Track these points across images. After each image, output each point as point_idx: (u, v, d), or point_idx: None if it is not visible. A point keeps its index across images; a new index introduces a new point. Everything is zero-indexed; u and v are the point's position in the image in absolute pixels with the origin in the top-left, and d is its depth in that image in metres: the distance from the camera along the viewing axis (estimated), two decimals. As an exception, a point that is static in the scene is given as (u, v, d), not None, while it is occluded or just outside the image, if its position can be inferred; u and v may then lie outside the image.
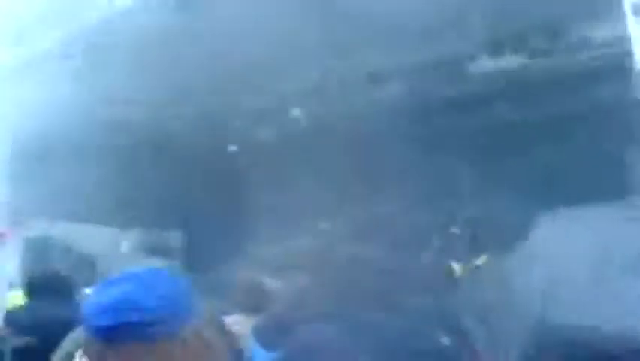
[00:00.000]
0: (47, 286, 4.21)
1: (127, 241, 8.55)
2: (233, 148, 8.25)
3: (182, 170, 7.64)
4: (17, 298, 4.89)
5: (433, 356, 3.30)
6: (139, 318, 1.69)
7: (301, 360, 3.17)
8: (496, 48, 5.85)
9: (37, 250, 7.78)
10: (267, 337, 3.62)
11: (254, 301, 4.19)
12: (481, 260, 5.20)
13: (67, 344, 3.17)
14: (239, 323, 3.88)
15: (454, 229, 6.35)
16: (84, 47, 5.99)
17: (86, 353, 1.83)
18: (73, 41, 6.04)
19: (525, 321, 2.97)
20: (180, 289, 1.88)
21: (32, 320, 3.83)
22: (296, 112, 7.23)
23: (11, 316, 4.21)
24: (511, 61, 5.89)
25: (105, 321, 1.67)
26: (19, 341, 3.48)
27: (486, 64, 5.96)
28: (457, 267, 5.19)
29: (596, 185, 4.72)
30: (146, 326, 1.69)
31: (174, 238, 8.90)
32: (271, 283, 4.41)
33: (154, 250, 7.91)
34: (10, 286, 6.23)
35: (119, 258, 7.87)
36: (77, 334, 3.23)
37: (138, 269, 1.91)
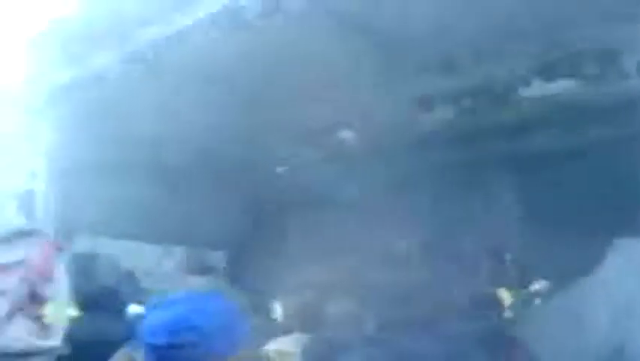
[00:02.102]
0: (99, 301, 4.26)
1: (170, 260, 8.61)
2: (280, 169, 8.28)
3: (228, 189, 7.69)
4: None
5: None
6: (192, 338, 1.68)
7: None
8: (548, 72, 5.77)
9: (82, 266, 7.85)
10: (314, 359, 3.58)
11: (305, 322, 4.18)
12: (538, 285, 5.09)
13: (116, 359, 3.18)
14: (289, 344, 3.86)
15: (504, 257, 6.26)
16: (141, 65, 6.08)
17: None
18: (130, 60, 6.13)
19: (591, 352, 2.88)
20: (234, 314, 1.86)
21: (84, 333, 3.86)
22: (344, 134, 7.24)
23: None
24: (563, 86, 5.81)
25: (158, 340, 1.67)
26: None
27: (538, 88, 5.89)
28: (505, 294, 5.11)
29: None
30: (198, 346, 1.69)
31: (218, 257, 8.95)
32: (323, 305, 4.40)
33: (197, 270, 7.95)
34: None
35: (163, 276, 7.91)
36: (126, 350, 3.25)
37: (194, 291, 1.91)
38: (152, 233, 8.23)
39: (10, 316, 1.14)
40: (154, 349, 1.66)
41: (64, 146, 7.11)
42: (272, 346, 3.99)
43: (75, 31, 6.53)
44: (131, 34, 6.18)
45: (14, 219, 6.83)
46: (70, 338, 3.91)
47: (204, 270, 7.68)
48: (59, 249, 6.32)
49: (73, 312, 4.54)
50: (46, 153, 7.41)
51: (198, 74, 5.94)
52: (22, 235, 1.21)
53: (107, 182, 7.32)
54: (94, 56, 6.62)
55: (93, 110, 6.59)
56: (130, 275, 8.02)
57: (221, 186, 7.74)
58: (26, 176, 7.48)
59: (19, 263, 1.20)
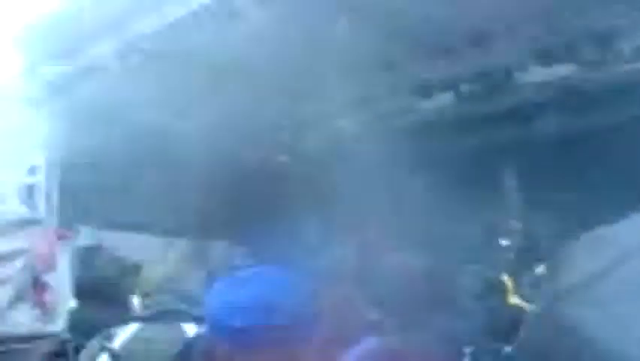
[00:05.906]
0: (96, 291, 4.27)
1: (174, 251, 8.59)
2: (282, 158, 8.27)
3: (230, 180, 7.67)
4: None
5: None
6: (276, 321, 1.47)
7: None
8: (545, 57, 5.75)
9: (85, 257, 7.84)
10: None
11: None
12: (542, 269, 5.05)
13: (91, 346, 3.14)
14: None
15: (503, 241, 6.26)
16: (138, 57, 6.07)
17: (209, 354, 1.61)
18: (126, 52, 6.12)
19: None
20: (310, 292, 1.66)
21: (81, 322, 3.86)
22: (343, 122, 7.21)
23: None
24: (561, 71, 5.78)
25: (239, 322, 1.46)
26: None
27: (536, 73, 5.87)
28: (507, 279, 5.08)
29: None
30: (283, 329, 1.47)
31: (221, 248, 8.92)
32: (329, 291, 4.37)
33: (201, 261, 7.93)
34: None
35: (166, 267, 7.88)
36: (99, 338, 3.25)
37: (264, 269, 1.66)
38: (154, 224, 8.22)
39: (13, 303, 1.13)
40: (231, 332, 1.48)
41: (63, 139, 7.09)
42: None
43: (66, 24, 6.50)
44: (125, 26, 6.16)
45: (17, 209, 6.83)
46: (71, 327, 3.93)
47: (208, 261, 7.67)
48: (64, 238, 6.32)
49: (72, 302, 4.56)
50: (46, 146, 7.40)
51: (195, 64, 5.91)
52: (25, 223, 1.21)
53: (109, 174, 7.31)
54: (87, 48, 6.59)
55: (91, 102, 6.57)
56: (134, 268, 8.03)
57: (223, 176, 7.71)
58: (26, 170, 7.47)
59: (22, 251, 1.19)
